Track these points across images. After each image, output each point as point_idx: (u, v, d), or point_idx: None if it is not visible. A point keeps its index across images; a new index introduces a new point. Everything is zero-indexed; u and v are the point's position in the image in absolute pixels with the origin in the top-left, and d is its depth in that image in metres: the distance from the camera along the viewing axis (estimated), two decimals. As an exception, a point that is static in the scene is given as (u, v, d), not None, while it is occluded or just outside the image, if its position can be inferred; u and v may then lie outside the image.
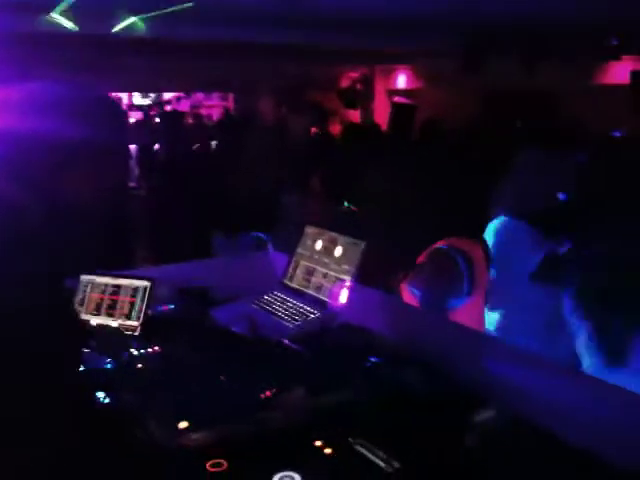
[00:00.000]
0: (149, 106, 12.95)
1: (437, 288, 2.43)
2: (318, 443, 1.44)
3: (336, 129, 9.69)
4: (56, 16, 5.70)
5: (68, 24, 5.90)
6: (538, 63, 7.71)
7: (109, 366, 1.93)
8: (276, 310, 2.18)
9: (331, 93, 10.39)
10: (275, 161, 4.98)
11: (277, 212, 3.78)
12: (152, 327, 2.20)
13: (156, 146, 8.41)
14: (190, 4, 5.17)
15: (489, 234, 2.81)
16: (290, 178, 4.44)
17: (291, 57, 9.40)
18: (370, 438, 1.46)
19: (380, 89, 10.67)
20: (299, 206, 3.67)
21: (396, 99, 9.94)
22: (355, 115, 10.21)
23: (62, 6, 5.40)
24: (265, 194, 4.21)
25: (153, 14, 5.85)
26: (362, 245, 2.06)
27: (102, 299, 2.30)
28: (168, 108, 12.65)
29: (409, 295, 2.50)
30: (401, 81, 10.33)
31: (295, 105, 9.84)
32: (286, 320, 2.09)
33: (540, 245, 2.77)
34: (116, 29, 6.24)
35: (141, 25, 6.31)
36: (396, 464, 1.37)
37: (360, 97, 10.10)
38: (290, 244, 2.44)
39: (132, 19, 6.14)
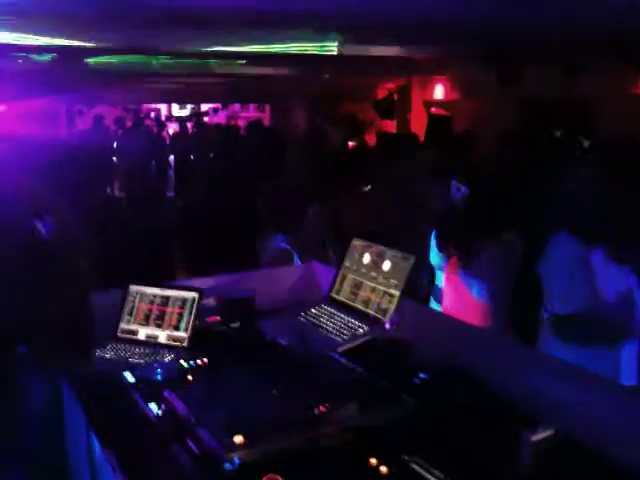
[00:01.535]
0: (187, 117, 13.13)
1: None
2: (373, 461, 1.43)
3: (371, 140, 9.69)
4: None
5: None
6: (578, 73, 7.61)
7: (159, 377, 1.95)
8: (324, 324, 2.18)
9: (367, 104, 10.40)
10: (304, 172, 5.01)
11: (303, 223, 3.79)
12: (200, 338, 2.22)
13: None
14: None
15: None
16: (319, 190, 4.44)
17: (326, 68, 9.44)
18: (425, 456, 1.44)
19: (417, 100, 10.64)
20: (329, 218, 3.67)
21: (433, 110, 9.90)
22: (391, 126, 10.18)
23: None
24: (294, 203, 4.24)
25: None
26: (411, 260, 2.05)
27: (150, 310, 2.33)
28: (205, 119, 12.82)
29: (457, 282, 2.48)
30: (438, 92, 10.28)
31: (330, 116, 9.88)
32: (334, 334, 2.09)
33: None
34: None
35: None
36: (453, 484, 1.35)
37: (396, 108, 10.09)
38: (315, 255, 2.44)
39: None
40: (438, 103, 10.28)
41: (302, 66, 9.01)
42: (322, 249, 3.36)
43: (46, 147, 3.85)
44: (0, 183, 2.54)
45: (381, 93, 10.86)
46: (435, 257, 2.68)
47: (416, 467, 1.42)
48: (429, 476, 1.39)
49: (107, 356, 2.20)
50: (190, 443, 1.54)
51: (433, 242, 2.72)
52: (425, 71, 9.76)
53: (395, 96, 10.31)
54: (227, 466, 1.42)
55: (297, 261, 3.44)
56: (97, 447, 2.15)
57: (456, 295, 2.54)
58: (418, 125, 9.84)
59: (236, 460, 1.43)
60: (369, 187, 3.72)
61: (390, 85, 10.69)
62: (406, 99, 10.61)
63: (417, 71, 9.86)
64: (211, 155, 8.50)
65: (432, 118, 8.86)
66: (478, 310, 2.45)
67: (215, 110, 13.38)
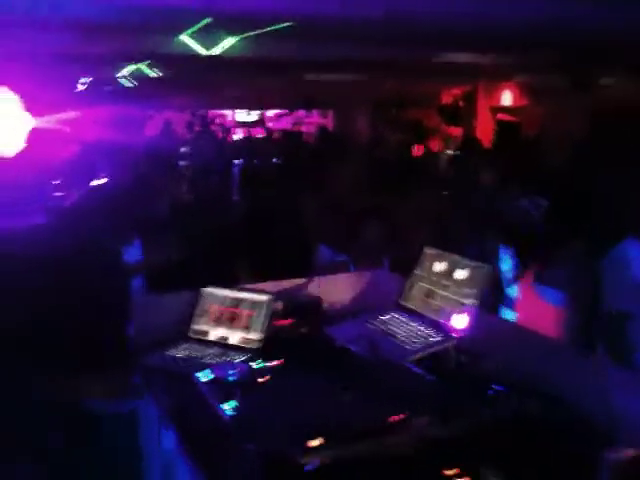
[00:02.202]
0: (253, 123, 13.32)
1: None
2: (448, 472, 1.41)
3: (435, 146, 9.59)
4: (186, 38, 5.94)
5: (196, 47, 6.13)
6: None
7: (231, 378, 1.98)
8: (394, 331, 2.17)
9: (432, 110, 10.31)
10: (365, 179, 4.99)
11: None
12: (269, 341, 2.24)
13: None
14: (289, 23, 5.25)
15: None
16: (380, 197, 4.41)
17: (390, 73, 9.42)
18: (501, 469, 1.42)
19: (483, 106, 10.48)
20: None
21: (500, 116, 9.74)
22: (457, 132, 10.06)
23: (192, 29, 5.60)
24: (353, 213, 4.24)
25: (252, 34, 5.97)
26: (486, 269, 2.02)
27: (222, 312, 2.37)
28: (270, 125, 12.98)
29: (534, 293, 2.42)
30: (505, 98, 10.10)
31: (393, 122, 9.84)
32: (405, 343, 2.07)
33: None
34: (217, 50, 6.43)
35: (239, 46, 6.46)
36: (532, 500, 1.32)
37: (462, 114, 9.97)
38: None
39: (231, 40, 6.29)
40: (505, 109, 10.10)
41: (367, 72, 9.03)
42: (379, 258, 3.34)
43: (121, 151, 3.99)
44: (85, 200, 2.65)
45: (446, 99, 10.75)
46: (506, 267, 2.63)
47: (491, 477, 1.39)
48: (506, 489, 1.36)
49: (180, 355, 2.24)
50: (264, 444, 1.55)
51: (505, 251, 2.67)
52: (493, 76, 9.61)
53: (461, 102, 10.19)
54: (300, 469, 1.43)
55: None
56: (169, 444, 2.20)
57: (532, 306, 2.49)
58: (484, 131, 9.69)
59: (309, 464, 1.44)
60: (436, 193, 3.68)
61: (456, 91, 10.58)
62: (472, 105, 10.47)
63: (485, 76, 9.73)
64: (274, 160, 8.61)
65: (499, 124, 8.70)
66: (555, 321, 2.39)
67: (280, 116, 13.53)
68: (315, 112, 13.36)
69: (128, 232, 3.12)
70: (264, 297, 2.31)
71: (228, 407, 1.78)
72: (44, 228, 2.22)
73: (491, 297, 2.47)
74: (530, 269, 2.52)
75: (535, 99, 9.42)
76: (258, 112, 13.68)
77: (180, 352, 2.26)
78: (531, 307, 2.49)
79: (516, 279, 2.53)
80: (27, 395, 1.94)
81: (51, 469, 2.03)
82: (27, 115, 3.00)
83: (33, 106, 3.07)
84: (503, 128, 7.88)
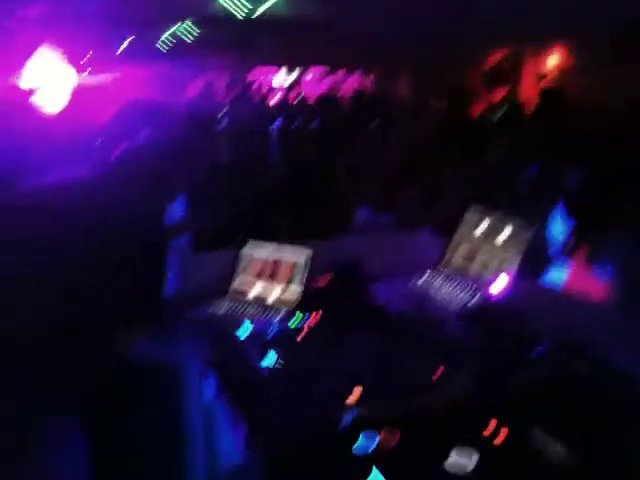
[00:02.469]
0: (290, 86, 13.22)
1: None
2: (489, 430, 1.41)
3: (477, 110, 9.37)
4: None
5: (237, 7, 6.09)
6: None
7: (271, 335, 2.00)
8: (435, 291, 2.15)
9: (475, 73, 10.05)
10: (408, 144, 4.93)
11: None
12: (310, 299, 2.24)
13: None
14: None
15: None
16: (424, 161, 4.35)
17: (434, 36, 9.19)
18: (544, 428, 1.40)
19: (529, 69, 10.17)
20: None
21: (545, 81, 9.45)
22: (499, 97, 9.81)
23: None
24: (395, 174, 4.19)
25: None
26: (532, 230, 1.98)
27: (263, 269, 2.38)
28: (309, 87, 12.85)
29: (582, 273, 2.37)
30: (552, 61, 9.77)
31: (435, 86, 9.63)
32: (446, 303, 2.05)
33: None
34: (259, 11, 6.36)
35: (282, 5, 6.37)
36: (574, 459, 1.31)
37: (506, 78, 9.69)
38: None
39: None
40: (552, 75, 9.78)
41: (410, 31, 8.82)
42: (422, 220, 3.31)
43: (162, 112, 4.00)
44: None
45: (490, 62, 10.46)
46: (558, 234, 2.58)
47: (535, 438, 1.38)
48: (548, 448, 1.35)
49: (221, 312, 2.27)
50: (303, 399, 1.57)
51: (557, 220, 2.61)
52: (540, 40, 9.30)
53: (505, 65, 9.90)
54: (340, 424, 1.44)
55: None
56: (210, 398, 2.25)
57: (581, 275, 2.43)
58: (529, 97, 9.42)
59: (349, 419, 1.44)
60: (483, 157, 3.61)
61: (500, 53, 10.28)
62: (517, 69, 10.17)
63: (531, 40, 9.43)
64: (314, 122, 8.54)
65: (544, 90, 8.43)
66: (604, 293, 2.33)
67: (319, 78, 13.37)
68: (355, 74, 13.17)
69: (170, 190, 3.15)
70: (303, 255, 2.31)
71: (267, 362, 1.80)
72: (86, 183, 2.25)
73: (537, 260, 2.42)
74: (583, 238, 2.46)
75: (583, 64, 9.10)
76: (297, 74, 13.55)
77: (221, 308, 2.29)
78: (580, 276, 2.44)
79: (567, 247, 2.48)
80: (68, 345, 1.98)
81: (94, 422, 2.09)
82: (71, 73, 3.02)
83: (77, 65, 3.09)
84: (547, 94, 7.61)
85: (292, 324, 2.04)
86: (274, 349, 1.86)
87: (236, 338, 2.02)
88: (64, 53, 2.97)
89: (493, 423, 1.41)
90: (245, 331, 2.03)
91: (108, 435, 2.14)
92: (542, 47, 9.88)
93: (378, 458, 1.34)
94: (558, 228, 2.59)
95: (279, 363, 1.79)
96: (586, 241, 2.44)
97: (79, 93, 2.99)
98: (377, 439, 1.36)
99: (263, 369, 1.79)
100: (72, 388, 1.93)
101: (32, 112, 2.55)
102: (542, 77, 9.88)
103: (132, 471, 2.32)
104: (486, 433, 1.41)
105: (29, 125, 2.44)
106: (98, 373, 2.03)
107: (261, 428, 1.52)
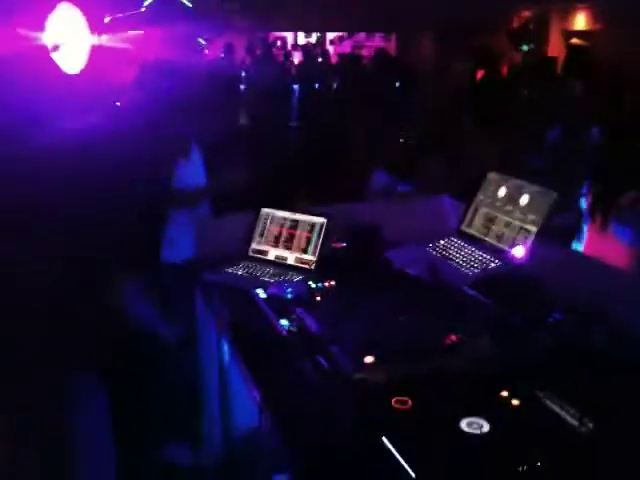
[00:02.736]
0: (313, 45, 13.03)
1: None
2: (504, 394, 1.41)
3: (503, 71, 9.16)
4: None
5: None
6: None
7: (289, 296, 2.01)
8: (453, 256, 2.14)
9: (500, 34, 9.82)
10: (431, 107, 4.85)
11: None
12: (327, 263, 2.25)
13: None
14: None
15: None
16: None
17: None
18: (559, 393, 1.41)
19: (555, 30, 9.91)
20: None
21: (573, 41, 9.20)
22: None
23: None
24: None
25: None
26: (553, 195, 1.95)
27: (280, 232, 2.39)
28: (330, 48, 12.68)
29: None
30: (579, 21, 9.51)
31: (459, 47, 9.42)
32: (464, 267, 2.05)
33: None
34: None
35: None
36: (590, 424, 1.31)
37: (532, 38, 9.46)
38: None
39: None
40: (579, 33, 9.53)
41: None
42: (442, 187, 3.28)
43: (182, 72, 3.97)
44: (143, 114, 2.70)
45: (516, 22, 10.20)
46: (584, 201, 2.54)
47: (549, 402, 1.39)
48: (563, 413, 1.35)
49: (239, 273, 2.29)
50: (320, 359, 1.59)
51: (578, 183, 2.57)
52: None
53: (531, 25, 9.66)
54: (356, 384, 1.46)
55: None
56: (227, 356, 2.28)
57: (602, 241, 2.40)
58: (555, 57, 9.18)
59: (365, 379, 1.46)
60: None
61: (526, 13, 10.02)
62: (543, 29, 9.91)
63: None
64: (334, 85, 8.43)
65: (571, 49, 8.21)
66: (626, 258, 2.30)
67: (340, 38, 13.17)
68: (377, 35, 12.95)
69: (184, 145, 3.17)
70: (322, 219, 2.31)
71: (285, 322, 1.82)
72: (103, 132, 2.28)
73: (558, 225, 2.38)
74: (604, 202, 2.41)
75: (611, 23, 8.85)
76: (318, 35, 13.35)
77: (240, 270, 2.31)
78: (601, 243, 2.41)
79: (589, 212, 2.44)
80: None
81: (112, 382, 2.13)
82: (90, 33, 3.00)
83: (96, 24, 3.07)
84: (575, 53, 7.42)
85: (311, 285, 2.05)
86: (293, 309, 1.87)
87: (255, 298, 2.04)
88: (85, 11, 2.94)
89: (509, 389, 1.42)
90: (264, 291, 2.05)
91: (124, 397, 2.19)
92: (568, 7, 9.61)
93: (392, 419, 1.35)
94: (579, 192, 2.56)
95: (297, 323, 1.80)
96: (607, 204, 2.40)
97: (99, 51, 2.97)
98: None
99: (281, 330, 1.81)
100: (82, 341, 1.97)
101: (54, 68, 2.55)
102: (569, 36, 9.63)
103: (149, 433, 2.38)
104: (504, 396, 1.42)
105: (51, 80, 2.45)
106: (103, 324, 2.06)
107: (275, 392, 1.54)
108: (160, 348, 2.48)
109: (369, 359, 1.48)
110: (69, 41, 2.72)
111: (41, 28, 2.47)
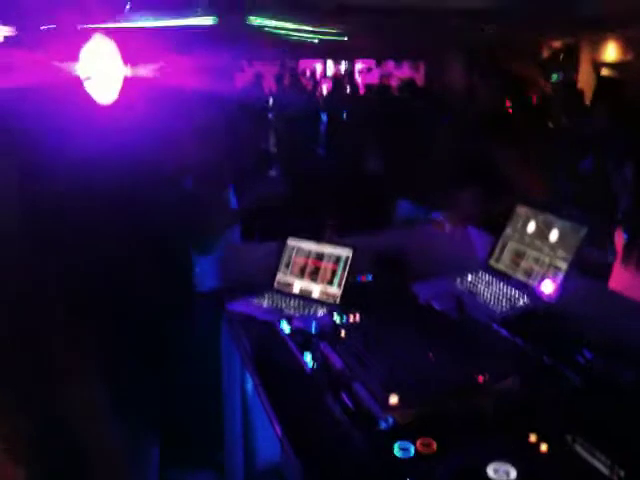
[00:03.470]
0: (341, 75, 13.14)
1: None
2: (533, 437, 1.37)
3: (533, 99, 9.12)
4: None
5: None
6: None
7: (313, 330, 1.99)
8: (481, 291, 2.11)
9: (531, 62, 9.80)
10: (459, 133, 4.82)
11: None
12: (353, 296, 2.23)
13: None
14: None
15: None
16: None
17: (488, 23, 8.99)
18: (589, 438, 1.36)
19: (586, 60, 9.87)
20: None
21: (603, 72, 9.15)
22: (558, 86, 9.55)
23: None
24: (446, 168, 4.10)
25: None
26: (583, 231, 1.91)
27: (306, 264, 2.38)
28: (358, 78, 12.77)
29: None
30: (610, 52, 9.45)
31: (488, 73, 9.42)
32: (492, 303, 2.01)
33: None
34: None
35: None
36: (622, 472, 1.26)
37: (562, 68, 9.43)
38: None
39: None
40: (609, 64, 9.47)
41: (463, 18, 8.65)
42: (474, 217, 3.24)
43: (210, 102, 4.03)
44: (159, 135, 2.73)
45: (546, 52, 10.18)
46: (611, 232, 2.48)
47: (579, 448, 1.34)
48: (593, 459, 1.30)
49: (264, 304, 2.28)
50: (344, 397, 1.56)
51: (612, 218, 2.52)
52: (598, 29, 9.00)
53: (561, 55, 9.63)
54: (381, 424, 1.43)
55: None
56: (250, 387, 2.26)
57: (634, 278, 2.33)
58: (585, 88, 9.14)
59: (390, 419, 1.43)
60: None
61: (556, 43, 10.00)
62: (573, 59, 9.87)
63: (588, 28, 9.13)
64: (361, 114, 8.46)
65: (601, 80, 8.15)
66: None
67: (369, 69, 13.27)
68: (405, 64, 13.01)
69: (221, 179, 3.18)
70: (347, 251, 2.29)
71: (309, 357, 1.80)
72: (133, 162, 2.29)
73: (589, 261, 2.34)
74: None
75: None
76: (347, 64, 13.47)
77: (265, 301, 2.30)
78: (634, 279, 2.34)
79: (623, 248, 2.38)
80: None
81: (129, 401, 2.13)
82: (123, 64, 3.06)
83: (129, 55, 3.13)
84: (605, 85, 7.36)
85: (336, 319, 2.03)
86: (317, 343, 1.85)
87: (279, 331, 2.03)
88: (118, 43, 3.00)
89: (537, 432, 1.37)
90: (288, 324, 2.03)
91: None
92: (599, 37, 9.56)
93: (417, 463, 1.32)
94: (611, 227, 2.50)
95: (321, 358, 1.78)
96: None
97: (131, 83, 3.03)
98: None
99: (305, 365, 1.79)
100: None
101: (86, 98, 2.60)
102: (600, 66, 9.57)
103: (172, 460, 2.36)
104: (532, 440, 1.37)
105: (83, 110, 2.49)
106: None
107: (297, 428, 1.51)
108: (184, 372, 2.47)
109: (394, 399, 1.45)
110: (102, 72, 2.77)
111: (75, 59, 2.52)
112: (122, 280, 1.88)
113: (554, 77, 9.71)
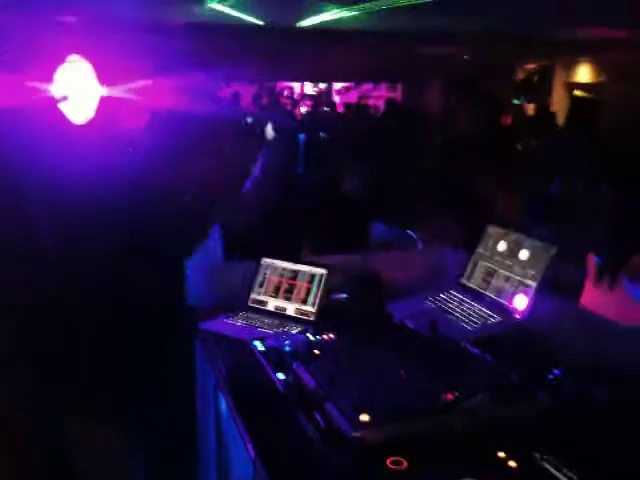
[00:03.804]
0: (319, 95, 13.26)
1: None
2: (501, 454, 1.39)
3: (507, 121, 9.27)
4: (216, 6, 5.91)
5: (233, 13, 6.08)
6: None
7: (287, 349, 1.99)
8: (453, 310, 2.13)
9: (505, 85, 9.98)
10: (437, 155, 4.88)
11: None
12: (327, 314, 2.24)
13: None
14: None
15: None
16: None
17: (464, 46, 9.16)
18: (557, 456, 1.38)
19: (559, 82, 10.07)
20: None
21: (576, 93, 9.34)
22: (530, 109, 9.73)
23: None
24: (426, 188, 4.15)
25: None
26: (552, 250, 1.95)
27: (280, 283, 2.39)
28: (336, 99, 12.89)
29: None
30: (583, 74, 9.67)
31: (465, 96, 9.56)
32: (463, 322, 2.03)
33: None
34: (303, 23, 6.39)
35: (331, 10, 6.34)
36: (589, 488, 1.28)
37: (536, 90, 9.61)
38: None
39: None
40: (582, 86, 9.67)
41: (444, 45, 8.79)
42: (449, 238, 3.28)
43: (191, 121, 4.04)
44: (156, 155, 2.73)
45: (521, 74, 10.38)
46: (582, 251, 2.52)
47: (547, 466, 1.36)
48: (561, 476, 1.32)
49: (238, 323, 2.28)
50: (316, 416, 1.56)
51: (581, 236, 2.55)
52: (571, 52, 9.20)
53: (535, 77, 9.82)
54: (352, 443, 1.43)
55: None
56: (224, 407, 2.25)
57: (609, 297, 2.36)
58: (559, 109, 9.32)
59: (361, 438, 1.43)
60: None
61: (530, 66, 10.20)
62: (547, 80, 10.07)
63: (562, 51, 9.33)
64: (339, 134, 8.53)
65: (575, 100, 8.33)
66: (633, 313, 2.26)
67: (347, 89, 13.40)
68: (383, 85, 13.16)
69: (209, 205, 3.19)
70: (322, 270, 2.31)
71: (282, 376, 1.80)
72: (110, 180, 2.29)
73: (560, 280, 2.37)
74: (615, 257, 2.39)
75: (615, 77, 8.98)
76: (324, 85, 13.59)
77: (239, 319, 2.30)
78: (609, 297, 2.38)
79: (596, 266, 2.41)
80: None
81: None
82: (99, 84, 3.06)
83: (105, 75, 3.13)
84: (578, 105, 7.53)
85: (310, 338, 2.04)
86: (291, 362, 1.85)
87: (253, 350, 2.02)
88: (94, 62, 3.00)
89: (506, 449, 1.39)
90: (262, 343, 2.03)
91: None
92: (572, 60, 9.78)
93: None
94: (582, 245, 2.54)
95: (295, 376, 1.78)
96: (618, 260, 2.38)
97: (107, 102, 3.03)
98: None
99: (278, 384, 1.79)
100: None
101: (60, 119, 2.60)
102: (573, 88, 9.78)
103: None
104: (501, 456, 1.39)
105: (57, 131, 2.49)
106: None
107: (269, 447, 1.51)
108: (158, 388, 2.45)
109: (365, 417, 1.46)
110: (77, 92, 2.77)
111: (49, 80, 2.52)
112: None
113: (524, 100, 9.90)
